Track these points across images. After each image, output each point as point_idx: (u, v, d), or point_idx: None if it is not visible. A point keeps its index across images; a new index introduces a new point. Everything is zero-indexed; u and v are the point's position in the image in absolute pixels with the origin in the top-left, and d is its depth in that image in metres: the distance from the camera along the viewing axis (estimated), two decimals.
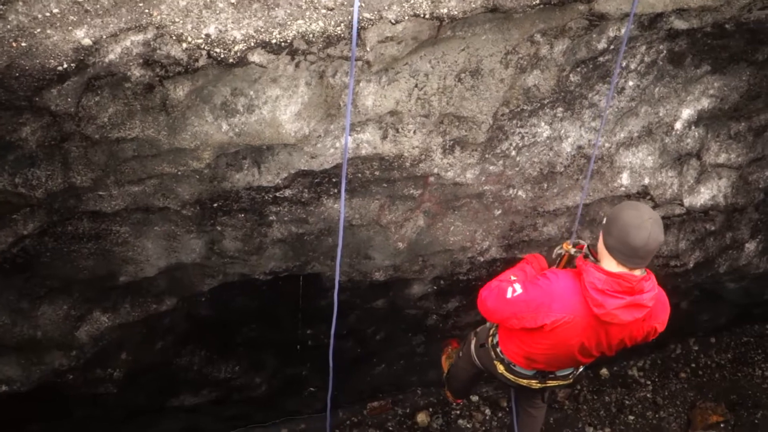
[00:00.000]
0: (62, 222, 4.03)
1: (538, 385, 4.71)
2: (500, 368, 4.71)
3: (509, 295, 4.10)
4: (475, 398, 7.22)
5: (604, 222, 3.90)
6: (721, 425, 7.06)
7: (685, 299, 6.80)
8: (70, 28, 3.15)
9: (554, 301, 3.96)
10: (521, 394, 5.06)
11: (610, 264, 3.83)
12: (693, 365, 7.70)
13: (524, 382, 4.70)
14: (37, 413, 5.39)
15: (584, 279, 3.87)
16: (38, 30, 3.11)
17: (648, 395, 7.42)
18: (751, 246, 6.00)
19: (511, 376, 4.69)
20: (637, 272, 3.79)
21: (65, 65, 3.22)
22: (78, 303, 4.64)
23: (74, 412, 5.58)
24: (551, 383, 4.72)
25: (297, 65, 3.58)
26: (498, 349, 4.66)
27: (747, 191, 5.40)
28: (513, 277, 4.22)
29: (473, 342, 5.05)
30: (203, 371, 5.79)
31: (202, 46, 3.36)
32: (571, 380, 4.78)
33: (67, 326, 4.67)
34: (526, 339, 4.27)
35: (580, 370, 4.76)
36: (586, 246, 4.21)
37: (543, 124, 4.43)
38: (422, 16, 3.59)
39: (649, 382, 7.52)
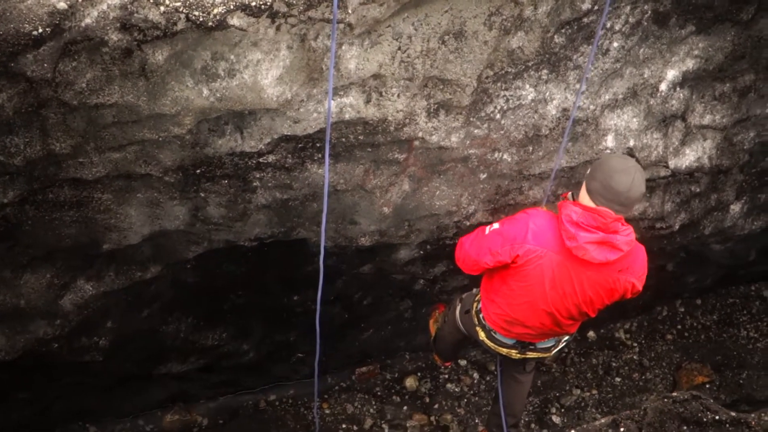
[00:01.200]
0: (43, 190, 4.00)
1: (518, 355, 4.73)
2: (482, 335, 4.73)
3: (486, 231, 4.24)
4: (463, 362, 7.26)
5: (589, 169, 3.97)
6: (707, 386, 7.12)
7: (671, 261, 6.83)
8: None
9: (529, 233, 4.04)
10: (506, 362, 5.08)
11: (589, 205, 3.91)
12: (679, 327, 7.75)
13: (504, 351, 4.73)
14: (24, 381, 5.40)
15: (561, 213, 3.96)
16: None
17: (635, 357, 7.48)
18: (736, 207, 6.01)
19: (492, 344, 4.72)
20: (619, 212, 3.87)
21: (40, 30, 3.16)
22: (61, 271, 4.62)
23: (61, 380, 5.59)
24: (531, 355, 4.75)
25: (278, 28, 3.54)
26: (480, 316, 4.67)
27: (732, 152, 5.40)
28: (493, 224, 4.30)
29: (458, 308, 5.07)
30: (190, 338, 5.79)
31: (181, 9, 3.31)
32: (551, 354, 4.80)
33: (50, 295, 4.65)
34: (504, 290, 4.29)
35: (561, 344, 4.78)
36: (570, 194, 4.21)
37: (528, 86, 4.39)
38: None
39: (635, 344, 7.58)
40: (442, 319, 5.68)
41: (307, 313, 5.91)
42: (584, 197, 3.96)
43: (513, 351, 4.71)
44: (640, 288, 4.22)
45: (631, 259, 4.07)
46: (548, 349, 4.73)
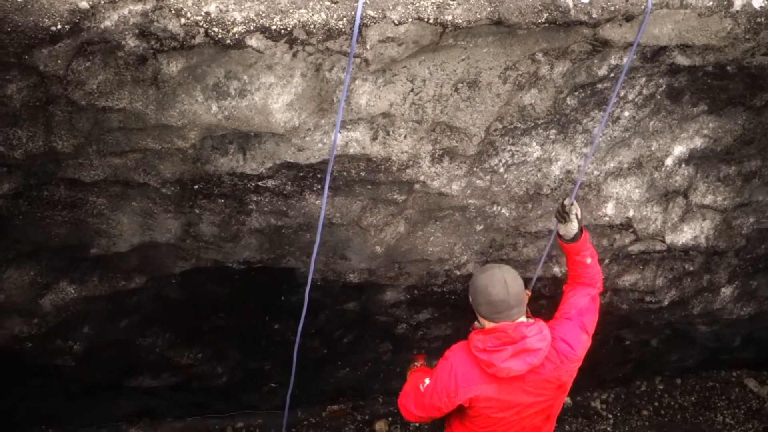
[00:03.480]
0: (39, 186, 3.97)
1: None
2: None
3: (422, 388, 4.19)
4: None
5: (469, 296, 4.04)
6: None
7: (656, 337, 6.79)
8: None
9: (458, 378, 4.03)
10: None
11: (490, 326, 3.93)
12: (656, 404, 7.69)
13: None
14: None
15: (470, 346, 3.97)
16: None
17: (608, 429, 7.39)
18: (727, 291, 5.99)
19: None
20: (514, 319, 3.90)
21: (59, 26, 3.16)
22: (45, 270, 4.57)
23: (29, 381, 5.51)
24: None
25: (294, 55, 3.54)
26: None
27: (729, 235, 5.39)
28: (425, 378, 4.26)
29: None
30: (165, 354, 5.72)
31: (201, 24, 3.31)
32: None
33: (31, 293, 4.60)
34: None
35: None
36: (475, 323, 4.22)
37: (534, 144, 4.40)
38: (426, 20, 3.56)
39: (611, 416, 7.50)
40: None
41: (286, 343, 5.84)
42: (484, 321, 4.01)
43: None
44: (588, 343, 4.17)
45: (557, 346, 4.05)
46: None
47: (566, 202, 4.24)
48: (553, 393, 4.17)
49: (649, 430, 7.44)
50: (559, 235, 4.38)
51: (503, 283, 3.87)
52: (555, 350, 4.04)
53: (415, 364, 5.79)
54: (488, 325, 3.96)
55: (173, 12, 3.27)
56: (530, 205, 4.72)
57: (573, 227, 4.25)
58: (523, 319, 3.96)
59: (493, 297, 3.86)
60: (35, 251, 4.42)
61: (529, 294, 4.47)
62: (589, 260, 4.33)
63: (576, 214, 4.25)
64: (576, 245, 4.28)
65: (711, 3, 3.96)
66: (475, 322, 4.20)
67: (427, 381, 4.19)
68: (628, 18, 3.86)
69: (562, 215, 4.26)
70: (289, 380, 4.96)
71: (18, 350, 4.93)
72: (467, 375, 4.02)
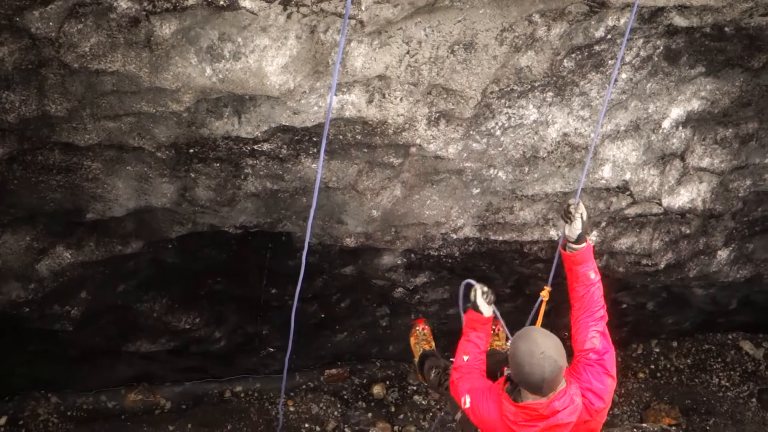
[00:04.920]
0: (33, 151, 3.95)
1: None
2: None
3: (464, 406, 4.12)
4: None
5: (509, 356, 3.81)
6: (673, 428, 7.10)
7: (652, 300, 6.82)
8: None
9: (486, 429, 4.00)
10: None
11: (524, 392, 3.76)
12: (652, 366, 7.74)
13: None
14: None
15: (502, 407, 3.86)
16: None
17: None
18: (723, 254, 6.00)
19: None
20: (550, 395, 3.69)
21: None
22: (41, 236, 4.57)
23: (27, 346, 5.53)
24: None
25: (289, 16, 3.50)
26: None
27: (726, 198, 5.38)
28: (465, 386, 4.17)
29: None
30: (163, 319, 5.74)
31: None
32: None
33: (28, 258, 4.60)
34: None
35: None
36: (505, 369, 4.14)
37: (531, 106, 4.38)
38: None
39: None
40: (422, 339, 5.61)
41: (283, 308, 5.86)
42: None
43: None
44: (614, 386, 3.98)
45: (586, 399, 3.86)
46: None
47: (571, 202, 4.16)
48: None
49: (645, 393, 7.50)
50: (562, 247, 4.27)
51: (541, 366, 3.57)
52: (584, 405, 3.85)
53: (417, 328, 5.80)
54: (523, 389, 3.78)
55: None
56: (527, 168, 4.70)
57: (577, 226, 4.14)
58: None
59: (528, 377, 3.61)
60: (31, 216, 4.42)
61: (549, 290, 4.45)
62: (593, 275, 4.16)
63: (581, 214, 4.14)
64: (580, 253, 4.12)
65: None
66: (507, 370, 4.05)
67: (467, 403, 4.08)
68: None
69: (567, 215, 4.17)
70: (286, 344, 4.96)
71: (16, 315, 4.94)
72: (497, 430, 3.91)
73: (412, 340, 5.92)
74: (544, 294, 4.44)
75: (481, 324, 4.30)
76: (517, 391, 3.83)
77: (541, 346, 3.61)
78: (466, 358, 4.30)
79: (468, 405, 4.10)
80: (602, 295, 4.17)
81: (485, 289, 4.27)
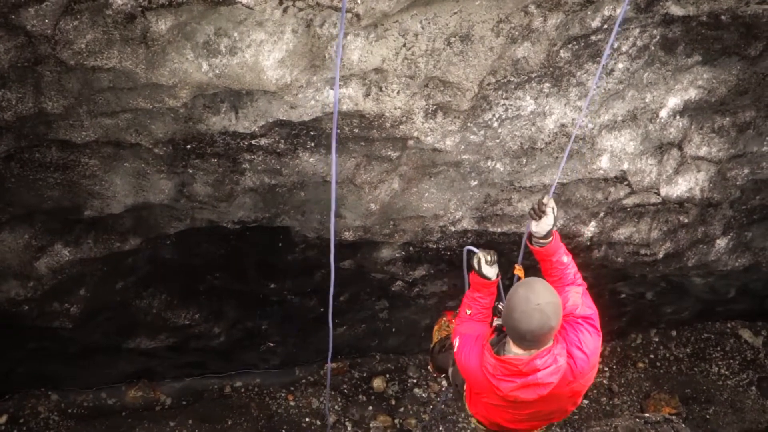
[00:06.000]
0: (30, 148, 3.95)
1: None
2: (473, 422, 4.68)
3: (453, 349, 4.17)
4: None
5: (505, 299, 3.81)
6: (673, 417, 7.12)
7: (650, 290, 6.83)
8: None
9: (469, 379, 4.08)
10: None
11: (508, 344, 3.75)
12: (652, 356, 7.76)
13: None
14: None
15: (483, 360, 3.85)
16: None
17: (604, 381, 7.47)
18: (721, 243, 6.00)
19: None
20: (533, 351, 3.65)
21: None
22: (40, 233, 4.56)
23: (27, 344, 5.53)
24: None
25: (285, 11, 3.50)
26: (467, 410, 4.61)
27: (724, 187, 5.38)
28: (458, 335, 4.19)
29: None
30: (162, 315, 5.74)
31: None
32: None
33: (26, 256, 4.60)
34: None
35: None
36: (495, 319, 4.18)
37: (528, 98, 4.37)
38: None
39: (606, 369, 7.57)
40: (445, 328, 5.61)
41: (282, 303, 5.87)
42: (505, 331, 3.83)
43: None
44: (600, 343, 3.97)
45: (572, 357, 3.80)
46: None
47: (544, 200, 4.12)
48: (564, 402, 4.05)
49: (644, 382, 7.52)
50: (530, 242, 4.23)
51: (531, 317, 3.51)
52: (569, 366, 3.79)
53: (443, 319, 5.75)
54: (509, 338, 3.76)
55: None
56: (524, 160, 4.70)
57: (548, 222, 4.10)
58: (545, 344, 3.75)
59: (518, 325, 3.56)
60: (29, 214, 4.41)
61: (521, 268, 4.46)
62: (565, 258, 4.15)
63: (552, 208, 4.10)
64: (550, 246, 4.07)
65: None
66: (497, 320, 4.15)
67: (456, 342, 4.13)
68: None
69: (539, 213, 4.12)
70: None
71: (15, 313, 4.94)
72: (479, 381, 3.93)
73: (435, 328, 5.89)
74: (519, 272, 4.43)
75: (487, 287, 4.30)
76: (502, 344, 3.82)
77: (539, 297, 3.55)
78: (468, 311, 4.33)
79: (455, 348, 4.12)
80: (577, 270, 4.18)
81: (488, 257, 4.24)
